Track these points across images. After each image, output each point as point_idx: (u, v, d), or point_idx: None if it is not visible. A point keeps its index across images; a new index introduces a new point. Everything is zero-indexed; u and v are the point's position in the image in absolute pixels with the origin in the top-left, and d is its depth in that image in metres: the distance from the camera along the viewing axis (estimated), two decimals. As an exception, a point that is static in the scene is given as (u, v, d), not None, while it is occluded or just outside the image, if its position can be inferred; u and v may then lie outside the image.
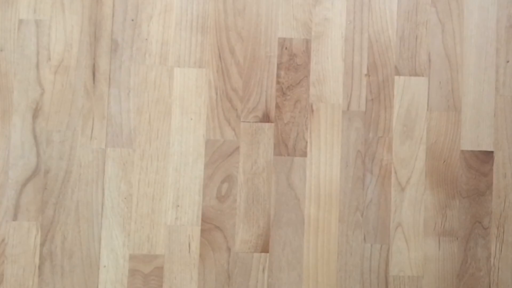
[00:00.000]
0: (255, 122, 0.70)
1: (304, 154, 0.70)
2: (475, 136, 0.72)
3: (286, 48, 0.71)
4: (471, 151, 0.72)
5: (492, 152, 0.72)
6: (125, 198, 0.69)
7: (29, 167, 0.68)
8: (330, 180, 0.70)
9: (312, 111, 0.71)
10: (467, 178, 0.71)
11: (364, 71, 0.72)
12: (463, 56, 0.73)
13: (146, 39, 0.70)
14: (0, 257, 0.67)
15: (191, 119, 0.70)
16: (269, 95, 0.71)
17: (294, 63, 0.71)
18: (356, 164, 0.71)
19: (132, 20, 0.70)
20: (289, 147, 0.70)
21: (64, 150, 0.68)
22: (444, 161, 0.71)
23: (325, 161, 0.71)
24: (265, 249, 0.69)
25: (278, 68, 0.71)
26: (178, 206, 0.69)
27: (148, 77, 0.70)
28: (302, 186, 0.70)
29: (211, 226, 0.69)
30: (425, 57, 0.72)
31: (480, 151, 0.72)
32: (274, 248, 0.70)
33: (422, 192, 0.71)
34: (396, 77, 0.72)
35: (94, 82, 0.69)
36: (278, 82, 0.71)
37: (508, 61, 0.73)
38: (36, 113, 0.69)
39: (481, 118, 0.72)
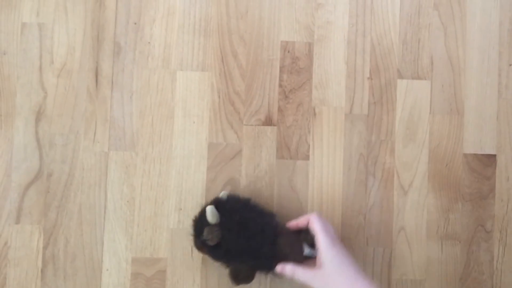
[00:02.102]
0: (258, 125, 0.70)
1: (307, 158, 0.70)
2: (477, 139, 0.72)
3: (288, 51, 0.71)
4: (474, 154, 0.72)
5: (494, 155, 0.72)
6: (127, 202, 0.69)
7: (32, 170, 0.68)
8: (332, 183, 0.70)
9: (315, 114, 0.71)
10: (470, 181, 0.71)
11: (367, 74, 0.72)
12: (466, 59, 0.72)
13: (149, 43, 0.70)
14: (2, 260, 0.67)
15: (194, 122, 0.70)
16: (271, 98, 0.71)
17: (296, 66, 0.71)
18: (359, 168, 0.71)
19: (135, 23, 0.70)
20: (292, 151, 0.70)
21: (67, 153, 0.68)
22: (447, 165, 0.71)
23: (327, 165, 0.71)
24: (267, 252, 0.69)
25: (281, 71, 0.71)
26: (181, 209, 0.69)
27: (151, 81, 0.70)
28: (304, 189, 0.70)
29: (213, 229, 0.69)
30: (428, 60, 0.72)
31: (483, 155, 0.72)
32: (276, 252, 0.69)
33: (425, 195, 0.71)
34: (399, 80, 0.72)
35: (96, 86, 0.69)
36: (280, 86, 0.71)
37: (510, 65, 0.73)
38: (39, 116, 0.69)
39: (483, 121, 0.72)
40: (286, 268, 0.60)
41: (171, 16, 0.70)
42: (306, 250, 0.62)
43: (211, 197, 0.69)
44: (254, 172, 0.70)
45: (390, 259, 0.70)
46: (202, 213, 0.62)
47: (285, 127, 0.71)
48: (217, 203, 0.62)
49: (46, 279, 0.67)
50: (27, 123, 0.68)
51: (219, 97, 0.70)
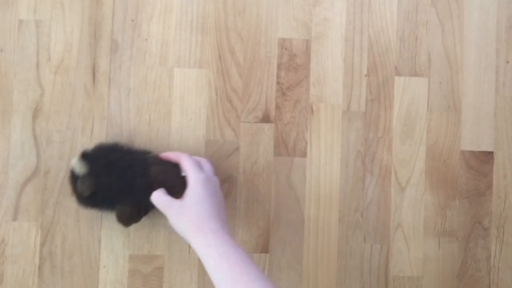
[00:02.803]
0: (255, 122, 0.70)
1: (304, 155, 0.70)
2: (475, 136, 0.72)
3: (286, 48, 0.71)
4: (471, 151, 0.72)
5: (492, 152, 0.72)
6: (125, 199, 0.69)
7: (29, 168, 0.68)
8: (330, 180, 0.70)
9: (312, 111, 0.71)
10: (467, 178, 0.71)
11: (364, 71, 0.72)
12: (463, 57, 0.73)
13: (146, 40, 0.70)
14: (0, 257, 0.67)
15: (191, 119, 0.70)
16: (269, 95, 0.71)
17: (294, 64, 0.71)
18: (356, 165, 0.71)
19: (132, 20, 0.70)
20: (289, 148, 0.70)
21: (64, 151, 0.68)
22: (444, 162, 0.71)
23: (325, 162, 0.71)
24: (265, 249, 0.69)
25: (278, 68, 0.71)
26: (178, 206, 0.69)
27: (148, 78, 0.70)
28: (302, 186, 0.70)
29: (211, 226, 0.69)
30: (425, 58, 0.72)
31: (480, 152, 0.72)
32: (274, 249, 0.70)
33: (422, 192, 0.71)
34: (396, 78, 0.72)
35: (94, 83, 0.69)
36: (278, 83, 0.71)
37: (508, 62, 0.73)
38: (36, 113, 0.69)
39: (481, 118, 0.72)
40: (152, 196, 0.59)
41: (168, 13, 0.70)
42: (180, 184, 0.59)
43: (209, 194, 0.69)
44: (251, 169, 0.70)
45: (387, 256, 0.70)
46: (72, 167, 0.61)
47: (282, 124, 0.71)
48: (83, 154, 0.61)
49: (43, 276, 0.67)
50: (24, 120, 0.68)
51: (216, 94, 0.70)
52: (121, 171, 0.60)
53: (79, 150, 0.68)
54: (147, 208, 0.63)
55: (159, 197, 0.58)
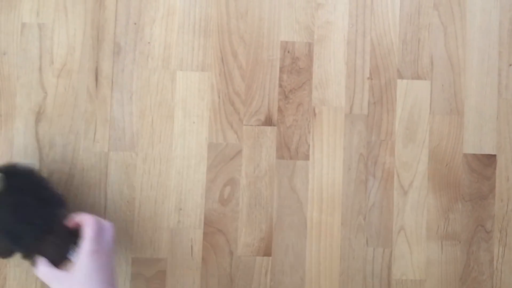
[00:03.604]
0: (258, 125, 0.70)
1: (307, 158, 0.70)
2: (477, 139, 0.72)
3: (288, 51, 0.71)
4: (474, 154, 0.72)
5: (494, 155, 0.72)
6: (127, 202, 0.69)
7: (32, 171, 0.68)
8: (332, 183, 0.70)
9: (315, 114, 0.71)
10: (470, 181, 0.71)
11: (367, 74, 0.72)
12: (466, 59, 0.72)
13: (149, 43, 0.70)
14: (2, 260, 0.67)
15: (194, 122, 0.70)
16: (271, 98, 0.71)
17: (296, 67, 0.71)
18: (359, 168, 0.71)
19: (135, 23, 0.70)
20: (292, 151, 0.70)
21: (67, 154, 0.68)
22: (447, 165, 0.71)
23: (327, 165, 0.71)
24: (267, 252, 0.69)
25: (281, 71, 0.71)
26: (181, 209, 0.69)
27: (151, 81, 0.70)
28: (304, 189, 0.70)
29: (213, 229, 0.69)
30: (428, 60, 0.72)
31: (483, 155, 0.72)
32: (276, 252, 0.70)
33: (425, 195, 0.71)
34: (399, 80, 0.72)
35: (96, 86, 0.69)
36: (280, 86, 0.71)
37: (510, 65, 0.73)
38: (39, 116, 0.69)
39: (483, 121, 0.72)
40: (37, 270, 0.57)
41: (171, 16, 0.71)
42: (73, 254, 0.57)
43: (211, 197, 0.69)
44: (254, 172, 0.70)
45: (390, 259, 0.70)
46: None
47: (285, 127, 0.71)
48: (11, 170, 0.59)
49: (46, 279, 0.67)
50: (27, 123, 0.68)
51: (219, 97, 0.70)
52: (22, 218, 0.57)
53: (82, 153, 0.68)
54: (23, 255, 0.60)
55: (44, 271, 0.57)
